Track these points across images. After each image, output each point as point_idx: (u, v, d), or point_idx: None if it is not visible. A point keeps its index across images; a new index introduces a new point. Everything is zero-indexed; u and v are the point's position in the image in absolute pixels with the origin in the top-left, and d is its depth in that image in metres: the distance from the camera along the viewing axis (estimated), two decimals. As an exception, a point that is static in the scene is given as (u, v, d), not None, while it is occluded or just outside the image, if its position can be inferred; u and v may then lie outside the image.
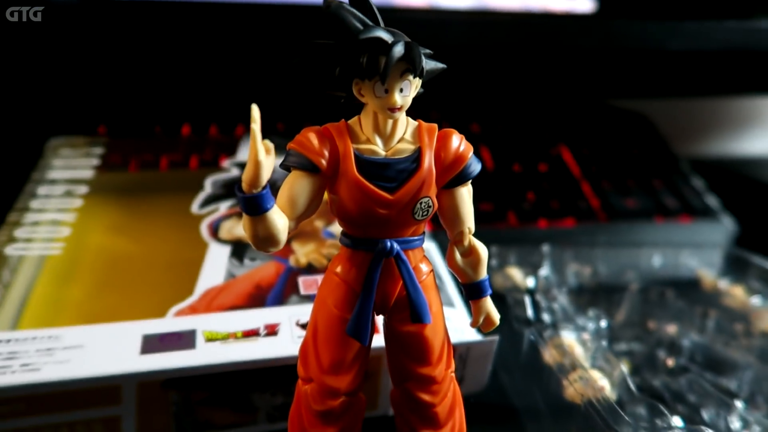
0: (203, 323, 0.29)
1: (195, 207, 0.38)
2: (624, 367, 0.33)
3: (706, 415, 0.29)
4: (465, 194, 0.22)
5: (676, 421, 0.29)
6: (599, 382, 0.28)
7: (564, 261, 0.44)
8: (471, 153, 0.22)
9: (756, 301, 0.37)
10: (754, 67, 0.60)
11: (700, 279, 0.43)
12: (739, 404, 0.31)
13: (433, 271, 0.23)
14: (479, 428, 0.31)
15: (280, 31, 0.46)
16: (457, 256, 0.23)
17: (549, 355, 0.30)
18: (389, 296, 0.22)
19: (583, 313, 0.41)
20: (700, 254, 0.46)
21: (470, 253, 0.23)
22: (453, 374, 0.24)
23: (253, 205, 0.19)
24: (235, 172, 0.42)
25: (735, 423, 0.29)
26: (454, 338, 0.30)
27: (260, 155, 0.18)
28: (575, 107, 0.66)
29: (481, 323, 0.23)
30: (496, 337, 0.31)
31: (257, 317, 0.30)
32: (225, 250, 0.34)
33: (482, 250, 0.23)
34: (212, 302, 0.31)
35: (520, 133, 0.61)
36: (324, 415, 0.22)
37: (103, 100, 0.54)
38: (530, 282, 0.41)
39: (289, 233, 0.21)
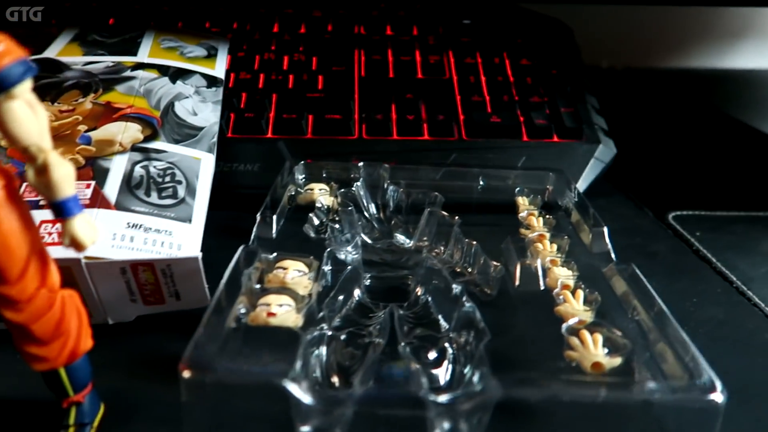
0: None
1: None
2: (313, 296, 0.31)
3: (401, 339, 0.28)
4: (14, 108, 0.20)
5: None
6: (274, 307, 0.27)
7: (380, 179, 0.42)
8: (11, 58, 0.19)
9: (534, 235, 0.35)
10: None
11: (517, 205, 0.40)
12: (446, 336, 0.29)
13: (7, 186, 0.22)
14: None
15: None
16: (30, 172, 0.21)
17: (252, 278, 0.29)
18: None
19: (374, 233, 0.39)
20: (541, 179, 0.43)
21: (43, 172, 0.21)
22: (57, 293, 0.23)
23: None
24: None
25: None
26: (157, 254, 0.30)
27: None
28: (487, 10, 0.60)
29: (68, 244, 0.22)
30: (197, 255, 0.30)
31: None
32: (-32, 151, 0.34)
33: (57, 170, 0.21)
34: None
35: (404, 38, 0.56)
36: None
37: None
38: (325, 199, 0.40)
39: None
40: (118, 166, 0.33)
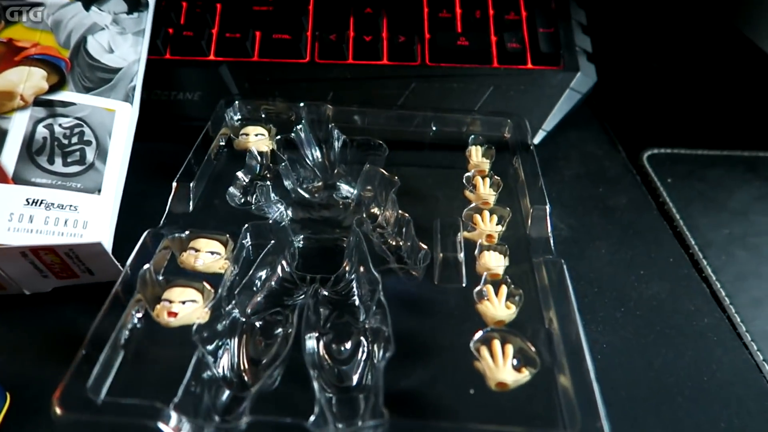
0: None
1: None
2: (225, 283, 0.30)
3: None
4: None
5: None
6: (176, 306, 0.26)
7: (323, 120, 0.39)
8: None
9: (475, 206, 0.32)
10: None
11: (470, 155, 0.37)
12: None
13: None
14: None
15: None
16: None
17: (151, 274, 0.28)
18: None
19: (316, 182, 0.37)
20: (499, 125, 0.39)
21: None
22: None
23: None
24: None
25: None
26: (59, 237, 0.28)
27: None
28: None
29: None
30: (99, 240, 0.28)
31: None
32: None
33: None
34: None
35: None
36: None
37: None
38: (261, 146, 0.37)
39: None
40: (18, 127, 0.30)
